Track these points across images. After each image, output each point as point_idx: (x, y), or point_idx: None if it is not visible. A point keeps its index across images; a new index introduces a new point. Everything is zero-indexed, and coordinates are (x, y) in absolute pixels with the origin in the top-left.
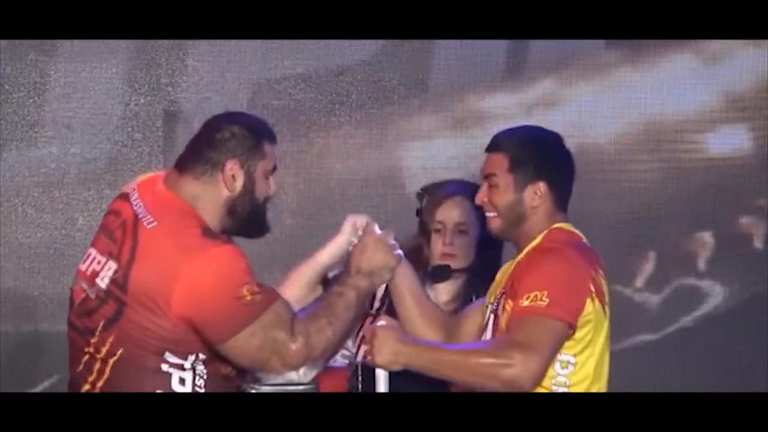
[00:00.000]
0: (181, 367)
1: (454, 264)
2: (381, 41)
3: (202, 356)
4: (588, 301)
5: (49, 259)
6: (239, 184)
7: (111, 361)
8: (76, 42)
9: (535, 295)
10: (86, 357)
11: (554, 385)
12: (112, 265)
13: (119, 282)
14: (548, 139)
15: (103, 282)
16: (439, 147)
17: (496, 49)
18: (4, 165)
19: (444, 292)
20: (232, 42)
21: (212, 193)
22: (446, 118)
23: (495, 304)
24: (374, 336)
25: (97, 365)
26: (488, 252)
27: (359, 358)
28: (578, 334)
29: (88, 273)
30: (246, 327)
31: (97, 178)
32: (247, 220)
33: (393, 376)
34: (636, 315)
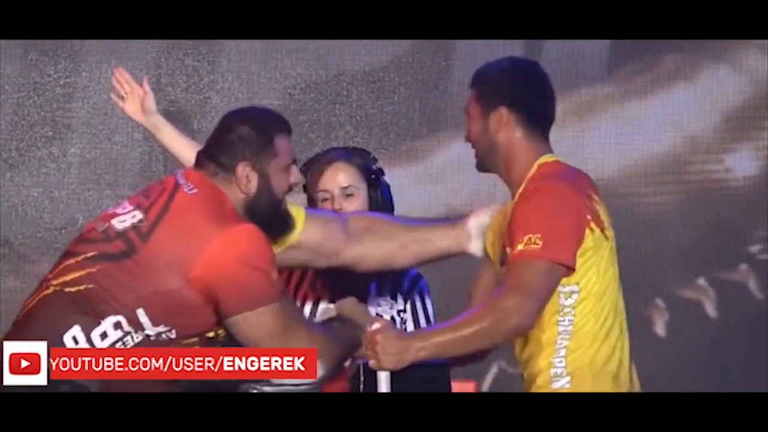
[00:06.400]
0: (136, 330)
1: None
2: (381, 41)
3: (172, 332)
4: (587, 232)
5: (49, 259)
6: (253, 185)
7: (65, 290)
8: (75, 42)
9: (529, 239)
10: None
11: (560, 317)
12: (138, 215)
13: (142, 231)
14: (514, 65)
15: (120, 224)
16: (439, 148)
17: (498, 50)
18: (4, 165)
19: None
20: (232, 42)
21: (229, 193)
22: (447, 118)
23: (501, 256)
24: (374, 343)
25: (45, 289)
26: (381, 209)
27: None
28: (577, 263)
29: (108, 212)
30: (265, 305)
31: (97, 178)
32: (267, 217)
33: (394, 376)
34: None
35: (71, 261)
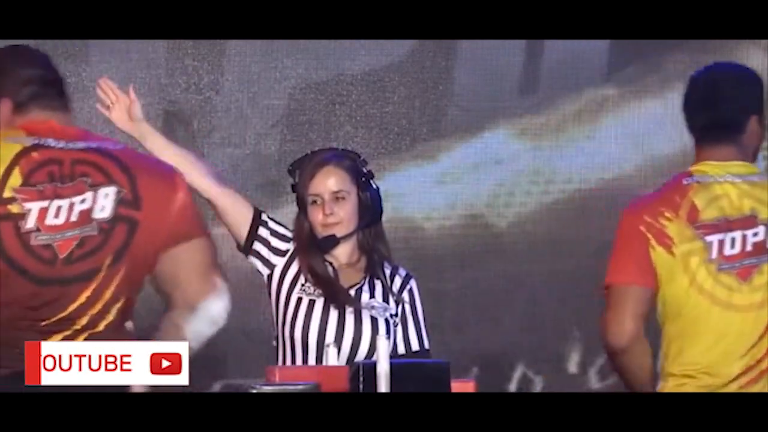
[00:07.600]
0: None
1: (339, 232)
2: (381, 41)
3: None
4: (650, 250)
5: None
6: None
7: (115, 307)
8: (75, 42)
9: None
10: (76, 305)
11: None
12: (109, 190)
13: (128, 200)
14: (697, 73)
15: (102, 212)
16: (439, 148)
17: (498, 50)
18: None
19: (342, 255)
20: (233, 42)
21: None
22: (447, 118)
23: None
24: None
25: (95, 310)
26: (370, 212)
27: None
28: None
29: (74, 219)
30: (197, 237)
31: None
32: None
33: (394, 377)
34: None
35: (95, 284)
